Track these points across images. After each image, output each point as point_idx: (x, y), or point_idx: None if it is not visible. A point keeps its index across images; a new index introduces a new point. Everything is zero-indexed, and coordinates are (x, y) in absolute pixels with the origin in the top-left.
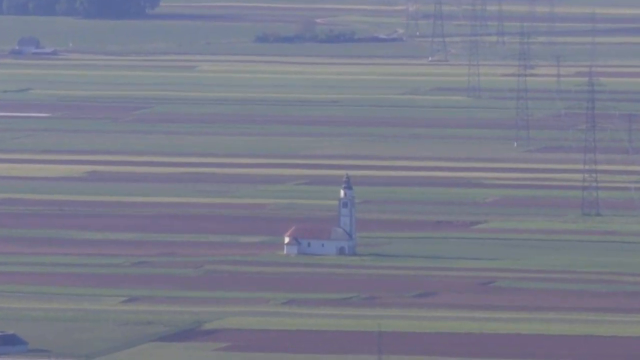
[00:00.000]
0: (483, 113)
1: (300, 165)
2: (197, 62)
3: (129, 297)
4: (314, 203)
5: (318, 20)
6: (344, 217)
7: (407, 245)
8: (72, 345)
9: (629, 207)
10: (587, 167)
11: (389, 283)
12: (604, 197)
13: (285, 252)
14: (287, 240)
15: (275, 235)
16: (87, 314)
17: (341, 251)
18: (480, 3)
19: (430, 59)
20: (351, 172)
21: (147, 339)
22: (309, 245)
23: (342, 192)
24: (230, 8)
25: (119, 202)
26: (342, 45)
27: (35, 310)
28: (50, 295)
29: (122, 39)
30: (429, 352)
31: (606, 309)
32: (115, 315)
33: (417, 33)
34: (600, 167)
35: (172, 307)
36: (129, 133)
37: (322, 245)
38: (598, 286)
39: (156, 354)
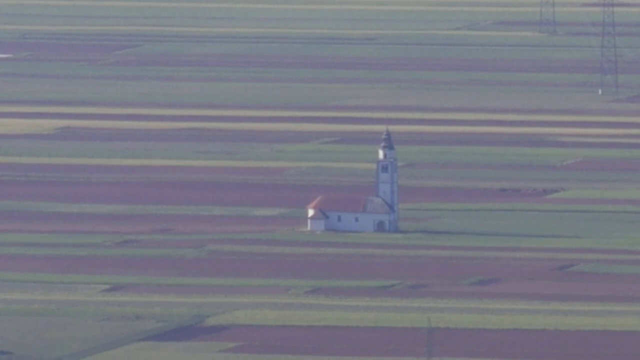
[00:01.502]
0: (559, 53)
1: (328, 118)
2: None
3: (111, 284)
4: (346, 167)
5: None
6: (383, 184)
7: (462, 219)
8: (41, 346)
9: None
10: None
11: (439, 267)
12: None
13: (309, 228)
14: (311, 213)
15: (297, 207)
16: (60, 307)
17: (380, 227)
18: None
19: None
20: (392, 128)
21: (134, 338)
22: (339, 219)
23: (380, 153)
24: None
25: (98, 165)
26: None
27: None
28: (13, 284)
29: None
30: (490, 354)
31: None
32: (94, 308)
33: None
34: None
35: (166, 298)
36: (111, 79)
37: (356, 219)
38: None
39: (146, 357)
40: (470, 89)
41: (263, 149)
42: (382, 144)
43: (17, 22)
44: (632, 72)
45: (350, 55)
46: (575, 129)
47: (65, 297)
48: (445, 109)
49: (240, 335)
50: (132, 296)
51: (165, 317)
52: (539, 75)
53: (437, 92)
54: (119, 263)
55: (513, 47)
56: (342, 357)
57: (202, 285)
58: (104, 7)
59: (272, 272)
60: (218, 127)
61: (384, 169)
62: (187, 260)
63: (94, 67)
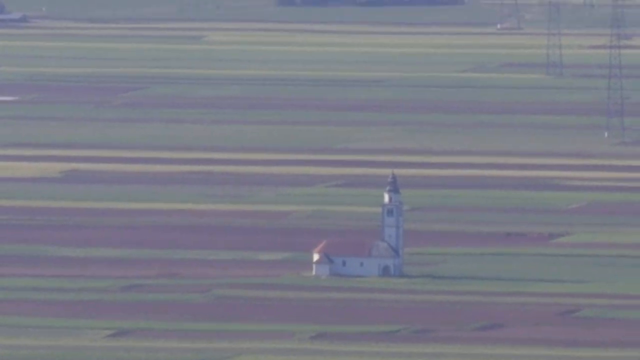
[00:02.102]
0: (566, 95)
1: (334, 162)
2: (204, 31)
3: (116, 329)
4: (351, 210)
5: None
6: (388, 228)
7: (467, 264)
8: None
9: None
10: None
11: (444, 312)
12: None
13: (314, 272)
14: (316, 257)
15: (302, 251)
16: (64, 353)
17: (385, 271)
18: None
19: (499, 26)
20: (398, 171)
21: None
22: (344, 264)
23: (386, 197)
24: None
25: (104, 209)
26: (388, 9)
27: None
28: (18, 329)
29: (109, 2)
30: None
31: None
32: (99, 354)
33: None
34: None
35: (171, 344)
36: (118, 122)
37: (361, 264)
38: None
39: None
40: (476, 131)
41: (268, 192)
42: (388, 188)
43: (24, 65)
44: (638, 115)
45: (356, 98)
46: (581, 172)
47: (71, 342)
48: (452, 152)
49: None
50: (137, 341)
51: None
52: (545, 117)
53: (443, 135)
54: (124, 308)
55: (520, 90)
56: None
57: (207, 331)
58: (111, 50)
59: (277, 317)
60: (224, 170)
61: (390, 212)
62: (193, 305)
63: (101, 109)
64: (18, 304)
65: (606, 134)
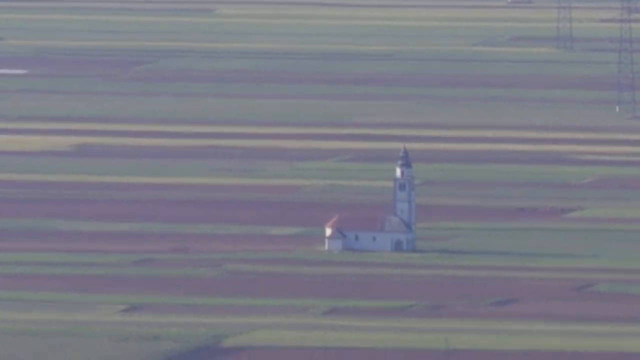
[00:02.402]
0: (576, 69)
1: (345, 136)
2: (214, 4)
3: (129, 305)
4: (363, 185)
5: None
6: (400, 203)
7: (480, 238)
8: None
9: None
10: None
11: (458, 287)
12: None
13: (326, 247)
14: (328, 232)
15: (314, 226)
16: (76, 327)
17: (397, 246)
18: None
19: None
20: (409, 145)
21: (152, 359)
22: (356, 238)
23: (398, 171)
24: None
25: (115, 183)
26: None
27: (10, 321)
28: (30, 303)
29: None
30: None
31: None
32: (111, 329)
33: None
34: None
35: (183, 318)
36: (127, 95)
37: (374, 238)
38: None
39: None
40: (487, 105)
41: (279, 166)
42: (400, 162)
43: (33, 38)
44: None
45: (367, 72)
46: (592, 147)
47: (83, 317)
48: (463, 126)
49: (258, 356)
50: (149, 316)
51: (183, 338)
52: (556, 91)
53: (454, 109)
54: (136, 282)
55: (530, 63)
56: None
57: (219, 306)
58: (119, 23)
59: (289, 292)
60: (234, 144)
61: (402, 187)
62: (205, 280)
63: (110, 83)
64: (30, 278)
65: (617, 108)
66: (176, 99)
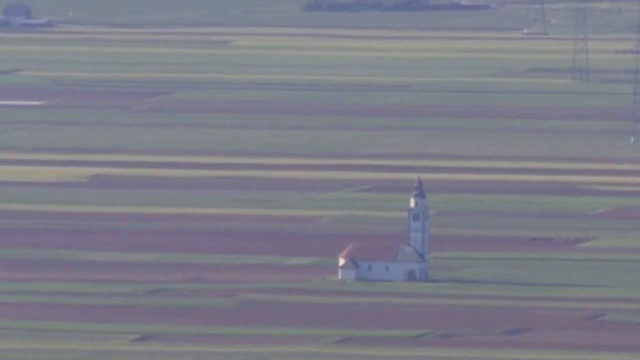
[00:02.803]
0: (592, 100)
1: (360, 167)
2: (230, 35)
3: (142, 334)
4: (377, 215)
5: None
6: (414, 233)
7: (493, 268)
8: None
9: None
10: None
11: (470, 316)
12: None
13: (340, 277)
14: (342, 262)
15: (328, 256)
16: (91, 356)
17: (411, 276)
18: None
19: (525, 31)
20: (424, 176)
21: None
22: (369, 268)
23: (412, 201)
24: None
25: (129, 214)
26: (414, 13)
27: (26, 351)
28: (45, 333)
29: (136, 6)
30: None
31: None
32: (125, 358)
33: None
34: None
35: (197, 347)
36: (143, 126)
37: (387, 268)
38: None
39: None
40: (502, 136)
41: (295, 197)
42: (414, 192)
43: (49, 69)
44: None
45: (382, 103)
46: (607, 177)
47: (97, 346)
48: (478, 157)
49: None
50: (162, 346)
51: None
52: (571, 122)
53: (469, 140)
54: (149, 312)
55: (546, 94)
56: None
57: (233, 335)
58: (136, 54)
59: (303, 322)
60: (250, 175)
61: (416, 217)
62: (218, 310)
63: (127, 114)
64: (45, 308)
65: (632, 139)
66: (192, 130)
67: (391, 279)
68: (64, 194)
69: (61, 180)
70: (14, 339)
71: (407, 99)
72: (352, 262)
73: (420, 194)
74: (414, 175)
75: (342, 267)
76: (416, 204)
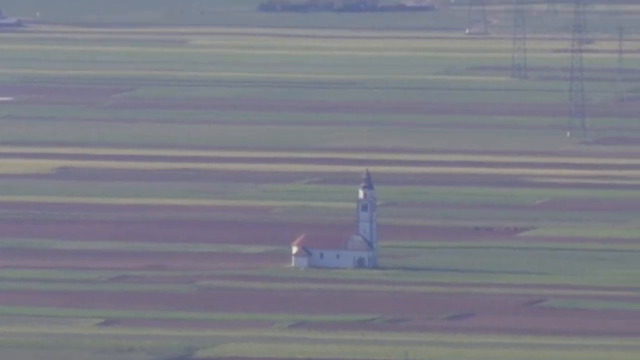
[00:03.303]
0: (530, 97)
1: (312, 160)
2: (189, 35)
3: (106, 318)
4: (328, 206)
5: None
6: (363, 223)
7: (438, 256)
8: None
9: None
10: None
11: (417, 302)
12: None
13: (293, 264)
14: (295, 250)
15: (282, 244)
16: (57, 340)
17: (360, 263)
18: None
19: (467, 31)
20: (372, 169)
21: None
22: (321, 256)
23: (361, 193)
24: None
25: (95, 204)
26: (363, 14)
27: None
28: (12, 317)
29: (100, 7)
30: None
31: None
32: (90, 341)
33: (452, 0)
34: None
35: (158, 331)
36: (107, 121)
37: (337, 256)
38: None
39: None
40: (446, 131)
41: (250, 189)
42: (362, 184)
43: (19, 67)
44: (599, 116)
45: (332, 99)
46: (545, 170)
47: (63, 330)
48: (423, 151)
49: None
50: (125, 330)
51: (157, 350)
52: (511, 118)
53: (415, 135)
54: (113, 298)
55: (487, 91)
56: None
57: (192, 320)
58: (101, 53)
59: (258, 307)
60: (208, 167)
61: (364, 208)
62: (178, 296)
63: (92, 109)
64: (13, 294)
65: (568, 134)
66: (153, 125)
67: (341, 266)
68: (31, 185)
69: (30, 172)
70: None
71: (356, 95)
72: (305, 250)
73: (369, 186)
74: (362, 168)
75: (295, 255)
76: (365, 195)
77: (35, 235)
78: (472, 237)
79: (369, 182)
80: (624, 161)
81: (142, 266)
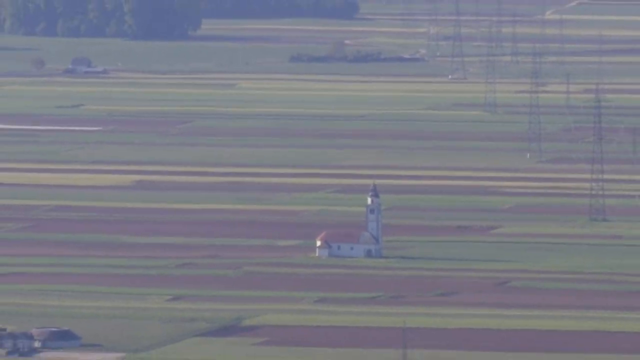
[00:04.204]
0: (499, 127)
1: (331, 175)
2: (236, 80)
3: (173, 296)
4: (344, 210)
5: (347, 42)
6: (371, 223)
7: (429, 248)
8: (122, 340)
9: (634, 214)
10: (594, 176)
11: (413, 283)
12: (610, 204)
13: (317, 254)
14: (318, 243)
15: (308, 239)
16: (135, 312)
17: (368, 254)
18: (496, 26)
19: (450, 77)
20: (378, 181)
21: (190, 335)
22: (338, 248)
23: (369, 200)
24: (267, 30)
25: (164, 209)
26: (369, 64)
27: (88, 308)
28: (101, 294)
29: (167, 58)
30: (450, 346)
31: (613, 307)
32: (160, 313)
33: (438, 53)
34: (606, 176)
35: (213, 305)
36: (174, 145)
37: (351, 248)
38: (605, 286)
39: (198, 349)
40: (435, 153)
41: (284, 196)
42: (370, 193)
43: (105, 104)
44: (552, 141)
45: (347, 129)
46: (510, 182)
47: (139, 304)
48: (417, 168)
49: (268, 333)
50: (188, 304)
51: (213, 320)
52: (484, 142)
53: (411, 155)
54: (179, 280)
55: (465, 123)
56: (341, 349)
57: (239, 296)
58: (167, 93)
59: (290, 287)
60: (251, 180)
61: (372, 211)
62: (229, 278)
63: (161, 137)
64: (102, 276)
65: (528, 155)
66: (209, 149)
67: (354, 256)
68: (115, 195)
69: (113, 184)
70: (76, 299)
71: (365, 125)
72: (326, 243)
73: (375, 195)
74: (370, 181)
75: (319, 247)
76: (372, 201)
77: (119, 233)
78: (455, 234)
79: (375, 192)
80: (570, 176)
81: (201, 255)
